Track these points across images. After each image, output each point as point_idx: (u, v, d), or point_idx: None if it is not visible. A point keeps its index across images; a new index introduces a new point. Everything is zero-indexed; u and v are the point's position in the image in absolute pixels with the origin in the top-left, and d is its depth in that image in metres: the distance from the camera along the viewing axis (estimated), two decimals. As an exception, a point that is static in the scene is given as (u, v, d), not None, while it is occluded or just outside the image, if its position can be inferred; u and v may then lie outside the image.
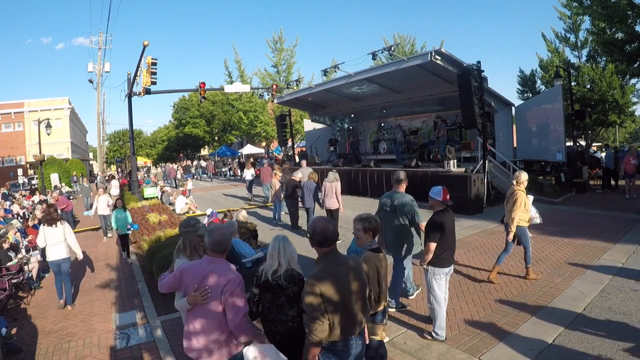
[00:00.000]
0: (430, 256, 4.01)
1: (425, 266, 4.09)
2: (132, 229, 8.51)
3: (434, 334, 4.11)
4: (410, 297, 5.11)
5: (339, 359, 2.44)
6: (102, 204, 10.80)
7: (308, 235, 2.52)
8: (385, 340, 3.97)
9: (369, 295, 2.65)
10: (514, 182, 5.47)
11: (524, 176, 5.37)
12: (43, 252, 7.25)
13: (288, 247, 2.91)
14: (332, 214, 8.30)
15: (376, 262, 3.00)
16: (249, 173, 15.99)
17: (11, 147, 38.36)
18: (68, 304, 5.93)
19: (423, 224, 4.42)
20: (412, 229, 4.67)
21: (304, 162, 12.69)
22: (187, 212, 13.03)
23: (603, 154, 20.26)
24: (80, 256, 6.20)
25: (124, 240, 8.34)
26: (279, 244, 2.89)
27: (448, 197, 4.03)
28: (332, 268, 2.43)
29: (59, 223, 5.91)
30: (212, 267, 2.55)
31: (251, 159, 26.37)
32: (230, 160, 37.54)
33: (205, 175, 30.60)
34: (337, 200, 8.21)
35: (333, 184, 8.21)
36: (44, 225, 5.94)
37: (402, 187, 4.81)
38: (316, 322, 2.31)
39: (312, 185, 8.94)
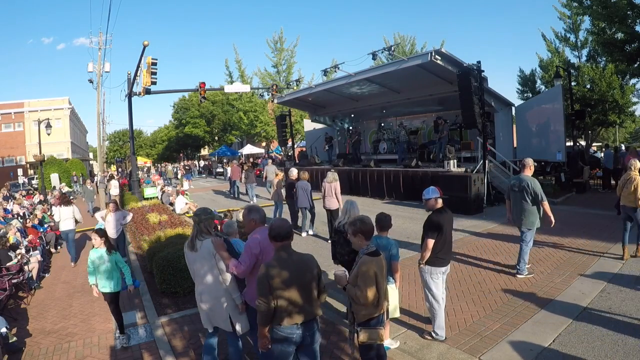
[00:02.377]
0: (428, 254, 4.00)
1: (422, 265, 4.09)
2: (130, 286, 4.70)
3: (433, 334, 4.11)
4: (519, 276, 5.63)
5: (281, 343, 2.70)
6: (114, 224, 7.64)
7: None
8: (394, 345, 3.96)
9: (322, 290, 2.88)
10: (632, 167, 6.07)
11: (639, 164, 6.08)
12: (43, 252, 7.81)
13: (353, 208, 4.30)
14: (332, 214, 8.29)
15: (369, 270, 2.90)
16: (230, 171, 17.94)
17: (11, 147, 38.37)
18: (72, 261, 8.49)
19: (545, 202, 5.42)
20: (535, 207, 5.50)
21: (269, 161, 13.84)
22: (187, 213, 13.03)
23: (602, 154, 20.26)
24: (81, 221, 9.13)
25: (112, 302, 4.61)
26: (348, 205, 4.34)
27: (441, 192, 4.14)
28: (282, 259, 2.75)
29: (70, 205, 8.70)
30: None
31: (226, 159, 27.56)
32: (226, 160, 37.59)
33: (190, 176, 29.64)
34: (337, 200, 8.21)
35: (332, 184, 8.20)
36: (59, 205, 8.72)
37: (528, 171, 5.65)
38: (262, 302, 2.64)
39: (307, 186, 8.93)
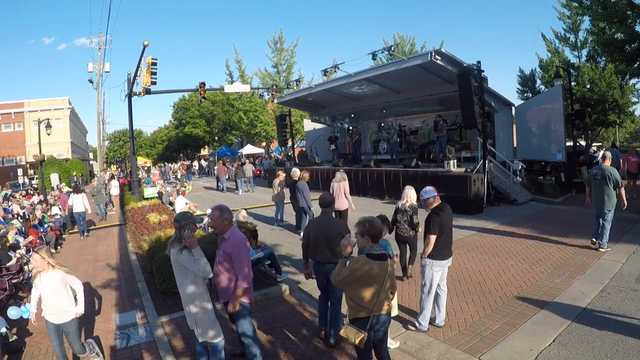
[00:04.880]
0: (430, 249, 4.17)
1: (424, 257, 4.26)
2: None
3: (417, 324, 4.28)
4: (601, 250, 6.53)
5: (315, 273, 4.22)
6: (55, 286, 3.92)
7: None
8: (394, 346, 3.98)
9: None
10: None
11: None
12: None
13: (411, 192, 5.65)
14: (341, 214, 8.18)
15: (361, 266, 2.90)
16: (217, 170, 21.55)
17: (11, 147, 38.35)
18: (85, 232, 11.23)
19: (622, 189, 6.43)
20: (614, 191, 6.45)
21: (247, 160, 15.78)
22: (187, 212, 12.98)
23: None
24: (90, 211, 11.69)
25: None
26: (406, 189, 5.76)
27: (437, 190, 4.41)
28: (317, 219, 4.47)
29: (81, 193, 11.38)
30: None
31: (221, 160, 30.14)
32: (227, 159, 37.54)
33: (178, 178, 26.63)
34: (347, 199, 8.09)
35: (341, 183, 8.07)
36: (73, 193, 11.53)
37: (608, 162, 6.62)
38: (303, 241, 4.32)
39: (304, 186, 8.87)
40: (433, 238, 4.14)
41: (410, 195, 5.61)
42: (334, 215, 8.23)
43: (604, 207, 6.52)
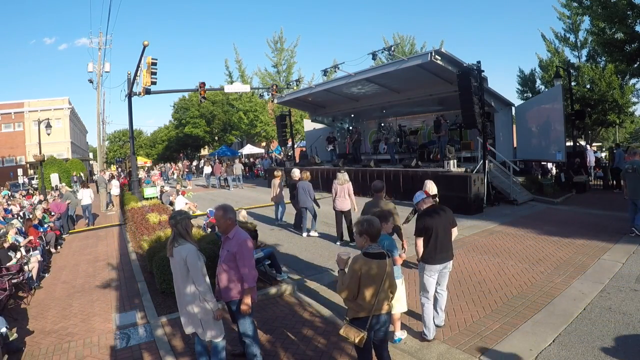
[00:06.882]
0: (419, 250, 4.13)
1: (419, 261, 4.24)
2: None
3: (422, 334, 4.17)
4: (631, 235, 7.27)
5: None
6: None
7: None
8: (403, 336, 4.02)
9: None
10: None
11: None
12: (43, 252, 7.82)
13: (432, 185, 6.01)
14: (345, 215, 8.19)
15: (361, 266, 2.91)
16: (207, 169, 24.39)
17: (11, 147, 38.38)
18: (90, 224, 12.85)
19: None
20: None
21: (237, 160, 19.59)
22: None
23: (603, 154, 20.26)
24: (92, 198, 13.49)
25: None
26: (427, 183, 6.07)
27: (427, 192, 4.47)
28: (371, 201, 5.61)
29: (88, 188, 13.35)
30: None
31: (207, 159, 32.17)
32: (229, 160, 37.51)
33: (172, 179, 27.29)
34: (351, 201, 8.12)
35: (344, 185, 8.08)
36: (81, 188, 13.65)
37: (639, 157, 7.47)
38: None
39: (308, 185, 8.89)
40: (419, 240, 4.11)
41: (430, 188, 5.97)
42: (341, 215, 8.54)
43: (638, 196, 7.32)
